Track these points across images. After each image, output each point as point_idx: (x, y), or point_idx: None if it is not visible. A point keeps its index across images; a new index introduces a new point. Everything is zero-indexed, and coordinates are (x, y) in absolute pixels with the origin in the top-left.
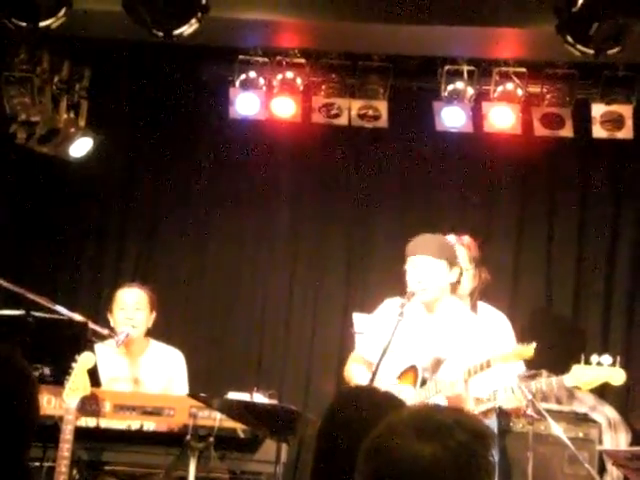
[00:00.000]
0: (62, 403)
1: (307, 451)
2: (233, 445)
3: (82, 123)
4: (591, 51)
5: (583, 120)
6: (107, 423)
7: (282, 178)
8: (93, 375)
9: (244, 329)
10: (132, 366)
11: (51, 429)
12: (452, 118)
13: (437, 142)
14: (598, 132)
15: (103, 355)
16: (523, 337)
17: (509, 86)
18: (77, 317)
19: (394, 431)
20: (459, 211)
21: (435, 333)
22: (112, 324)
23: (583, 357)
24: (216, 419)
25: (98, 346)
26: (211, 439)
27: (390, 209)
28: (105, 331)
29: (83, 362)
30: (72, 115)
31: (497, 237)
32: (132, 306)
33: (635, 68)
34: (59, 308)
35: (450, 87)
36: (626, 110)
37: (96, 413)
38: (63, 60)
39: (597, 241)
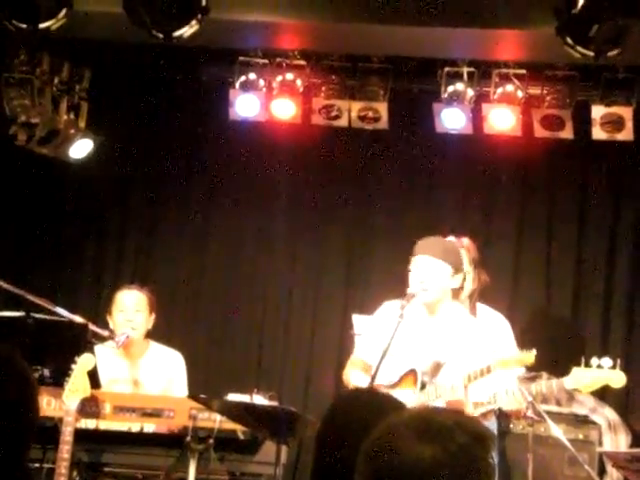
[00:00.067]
0: (62, 405)
1: (307, 453)
2: (233, 447)
3: (82, 124)
4: (591, 53)
5: (583, 122)
6: (107, 425)
7: (282, 179)
8: (93, 377)
9: (244, 330)
10: (132, 368)
11: (51, 430)
12: (452, 120)
13: (437, 144)
14: (598, 134)
15: (103, 357)
16: (523, 339)
17: (509, 88)
18: (77, 319)
19: (394, 433)
20: (459, 212)
21: (435, 336)
22: (111, 326)
23: (583, 359)
24: (216, 421)
25: (98, 348)
26: (211, 441)
27: (390, 210)
28: (105, 333)
29: (83, 364)
30: (72, 116)
31: (497, 239)
32: (131, 308)
33: (635, 70)
34: (59, 310)
35: (450, 89)
36: (626, 112)
37: (96, 415)
38: (63, 61)
39: (597, 243)
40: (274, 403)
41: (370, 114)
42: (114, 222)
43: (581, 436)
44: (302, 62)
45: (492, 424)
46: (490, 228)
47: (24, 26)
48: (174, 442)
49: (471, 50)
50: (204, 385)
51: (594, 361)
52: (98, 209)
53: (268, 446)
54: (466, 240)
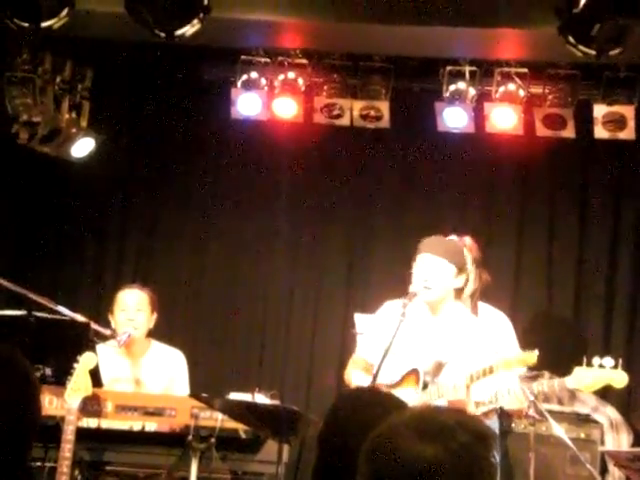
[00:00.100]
0: (64, 403)
1: (308, 451)
2: (235, 445)
3: (84, 123)
4: (593, 52)
5: (585, 121)
6: (109, 423)
7: (283, 178)
8: (95, 375)
9: (245, 329)
10: (133, 367)
11: (53, 429)
12: (454, 119)
13: (439, 143)
14: (600, 133)
15: (105, 356)
16: (525, 339)
17: (511, 87)
18: (79, 317)
19: (396, 432)
20: (460, 212)
21: (438, 336)
22: (113, 325)
23: (585, 359)
24: (218, 419)
25: (99, 347)
26: (213, 439)
27: (391, 209)
28: (107, 331)
29: (85, 362)
30: (74, 115)
31: (498, 238)
32: (133, 307)
33: (637, 69)
34: (61, 308)
35: (452, 88)
36: (628, 111)
37: (98, 413)
38: (65, 60)
39: (599, 242)
40: (276, 402)
41: (372, 113)
42: (115, 221)
43: (583, 435)
44: (304, 61)
45: (494, 423)
46: (491, 227)
47: (26, 25)
48: (176, 441)
49: (473, 49)
50: (206, 384)
51: (596, 361)
52: (99, 208)
53: (270, 445)
54: (468, 239)
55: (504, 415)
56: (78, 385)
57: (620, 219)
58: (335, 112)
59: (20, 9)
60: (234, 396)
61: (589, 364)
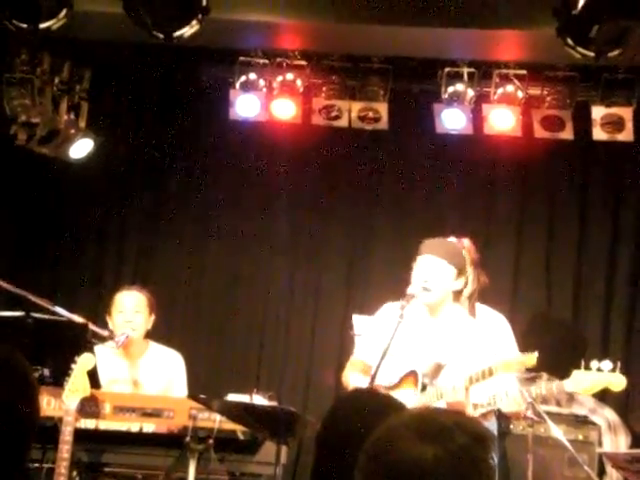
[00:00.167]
0: (62, 404)
1: (307, 453)
2: (233, 447)
3: (82, 124)
4: (591, 53)
5: (583, 122)
6: (107, 425)
7: (282, 180)
8: (93, 376)
9: (244, 330)
10: (131, 368)
11: (51, 430)
12: (452, 120)
13: (437, 144)
14: (598, 134)
15: (103, 357)
16: (523, 341)
17: (509, 88)
18: (77, 318)
19: (395, 433)
20: (459, 213)
21: (436, 338)
22: (111, 327)
23: (583, 362)
24: (216, 421)
25: (98, 348)
26: (211, 441)
27: (390, 211)
28: (105, 332)
29: (83, 363)
30: (72, 116)
31: (497, 239)
32: (131, 309)
33: (635, 70)
34: (59, 309)
35: (450, 89)
36: (626, 112)
37: (96, 414)
38: (64, 61)
39: (597, 244)
40: (274, 403)
41: (370, 114)
42: (114, 222)
43: (581, 437)
44: (302, 62)
45: (492, 425)
46: (490, 229)
47: (25, 26)
48: (174, 442)
49: (471, 50)
50: (204, 385)
51: (594, 364)
52: (98, 209)
53: (268, 446)
54: (467, 241)
55: (502, 417)
56: (76, 386)
57: (618, 220)
58: (333, 113)
59: (19, 10)
60: (232, 397)
61: (587, 367)
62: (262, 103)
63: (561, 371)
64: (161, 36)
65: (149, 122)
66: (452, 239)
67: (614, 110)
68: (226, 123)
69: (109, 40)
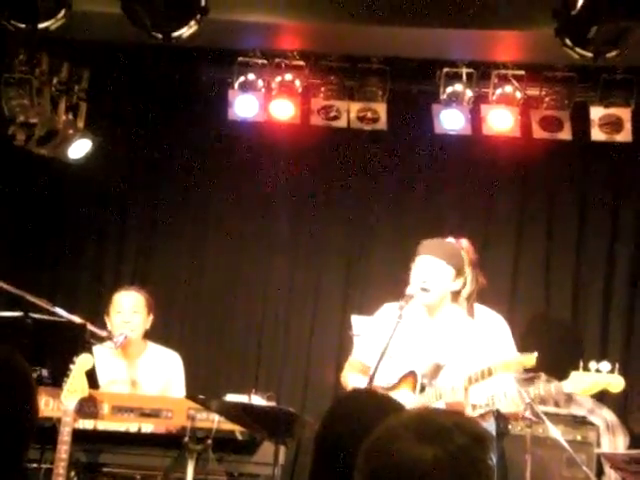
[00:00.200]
0: (60, 405)
1: (305, 453)
2: (231, 447)
3: (81, 125)
4: (590, 54)
5: (582, 123)
6: (105, 425)
7: (281, 180)
8: (91, 377)
9: (242, 330)
10: (130, 368)
11: (49, 431)
12: (451, 121)
13: (436, 144)
14: (597, 135)
15: (101, 357)
16: (522, 341)
17: (508, 89)
18: (75, 319)
19: (394, 433)
20: (458, 213)
21: (435, 338)
22: (109, 327)
23: (582, 363)
24: (214, 421)
25: (96, 348)
26: (209, 441)
27: (389, 211)
28: (103, 333)
29: (81, 364)
30: (71, 117)
31: (495, 240)
32: (129, 309)
33: (634, 71)
34: (58, 310)
35: (449, 90)
36: (624, 113)
37: (94, 415)
38: (62, 62)
39: (596, 245)
40: (272, 404)
41: (369, 115)
42: (114, 222)
43: (579, 437)
44: (301, 63)
45: (490, 425)
46: (489, 229)
47: (23, 26)
48: (172, 442)
49: (470, 51)
50: (202, 385)
51: (592, 365)
52: (97, 209)
53: (266, 447)
54: (465, 242)
55: (501, 417)
56: (74, 387)
57: (617, 220)
58: (332, 114)
59: (17, 10)
60: (230, 398)
61: (586, 368)
62: (261, 103)
63: (559, 371)
64: (160, 36)
65: (148, 122)
66: (450, 239)
67: (612, 111)
68: (225, 123)
69: (108, 40)
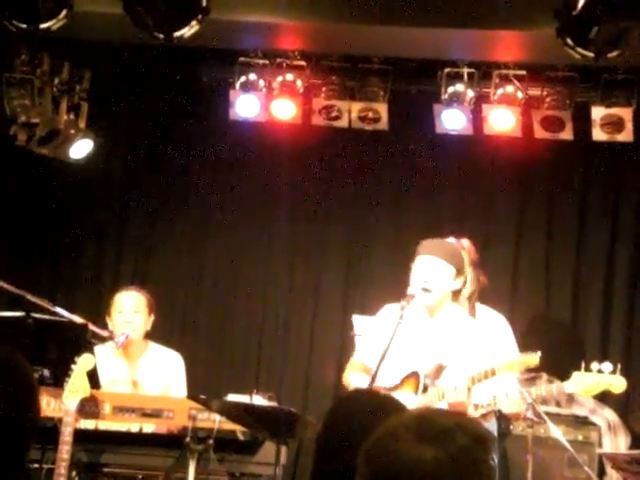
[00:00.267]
0: (61, 405)
1: (306, 453)
2: (232, 447)
3: (82, 125)
4: (591, 54)
5: (583, 123)
6: (106, 425)
7: (282, 180)
8: (92, 377)
9: (243, 331)
10: (131, 368)
11: (50, 431)
12: (452, 121)
13: (437, 145)
14: (598, 135)
15: (102, 357)
16: (523, 342)
17: (509, 89)
18: (77, 319)
19: (395, 434)
20: (458, 213)
21: (437, 339)
22: (110, 327)
23: (583, 364)
24: (215, 421)
25: (97, 348)
26: (210, 441)
27: (390, 211)
28: (105, 333)
29: (83, 364)
30: (72, 117)
31: (496, 240)
32: (130, 309)
33: (635, 71)
34: (59, 310)
35: (450, 89)
36: (626, 113)
37: (95, 415)
38: (63, 62)
39: (596, 245)
40: (273, 404)
41: (370, 115)
42: (114, 222)
43: (581, 437)
44: (302, 63)
45: (492, 425)
46: (489, 229)
47: (25, 26)
48: (173, 442)
49: (471, 51)
50: (203, 385)
51: (594, 366)
52: (98, 209)
53: (268, 447)
54: (466, 242)
55: (502, 417)
56: (76, 387)
57: (618, 221)
58: (333, 114)
59: (19, 10)
60: (232, 398)
61: (587, 369)
62: (262, 103)
63: (560, 371)
64: (161, 37)
65: (149, 122)
66: (451, 239)
67: (614, 111)
68: (226, 123)
69: (109, 40)
